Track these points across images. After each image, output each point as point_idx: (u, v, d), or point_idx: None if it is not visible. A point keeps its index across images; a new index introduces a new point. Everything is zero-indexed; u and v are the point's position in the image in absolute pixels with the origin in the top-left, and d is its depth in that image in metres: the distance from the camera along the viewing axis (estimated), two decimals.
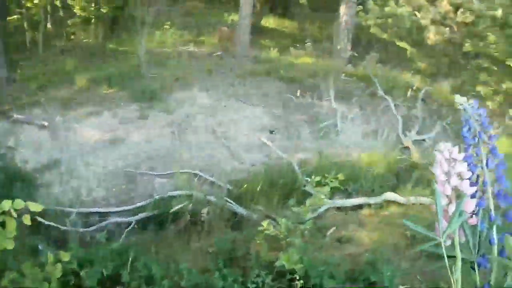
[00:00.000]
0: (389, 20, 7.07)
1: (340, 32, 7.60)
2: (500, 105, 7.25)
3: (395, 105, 5.86)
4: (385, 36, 6.88)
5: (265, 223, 2.80)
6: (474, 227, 0.60)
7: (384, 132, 5.26)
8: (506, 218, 0.59)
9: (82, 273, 2.36)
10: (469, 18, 8.23)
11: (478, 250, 0.60)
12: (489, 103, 7.21)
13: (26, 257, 2.50)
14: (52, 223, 3.53)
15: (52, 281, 2.16)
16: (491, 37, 7.37)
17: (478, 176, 0.63)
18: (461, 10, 8.27)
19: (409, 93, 6.19)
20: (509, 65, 7.22)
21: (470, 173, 0.60)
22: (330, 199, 3.68)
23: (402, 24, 6.85)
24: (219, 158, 4.97)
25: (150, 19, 7.49)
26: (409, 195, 4.04)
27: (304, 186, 3.95)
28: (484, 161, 0.62)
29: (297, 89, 6.21)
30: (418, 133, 5.52)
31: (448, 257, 0.57)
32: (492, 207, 0.61)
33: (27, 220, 1.99)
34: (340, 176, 3.39)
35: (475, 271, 0.61)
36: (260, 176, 4.30)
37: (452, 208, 0.59)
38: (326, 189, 3.39)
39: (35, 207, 1.98)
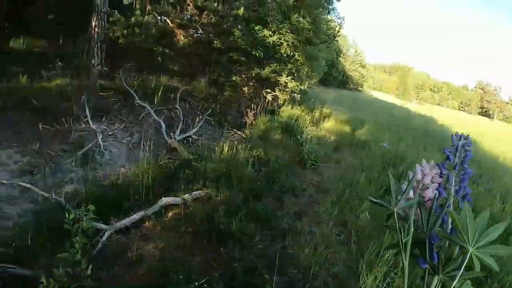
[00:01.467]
0: (136, 29, 7.18)
1: (92, 45, 7.19)
2: (254, 88, 8.62)
3: (156, 110, 5.98)
4: (137, 44, 6.93)
5: (43, 278, 2.52)
6: (430, 209, 0.76)
7: (149, 140, 5.34)
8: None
9: None
10: (214, 18, 9.35)
11: (430, 228, 0.75)
12: (245, 89, 8.46)
13: None
14: None
15: None
16: (237, 32, 8.54)
17: (447, 177, 0.83)
18: (206, 12, 9.30)
19: (171, 96, 6.49)
20: (255, 54, 8.58)
21: (440, 179, 0.81)
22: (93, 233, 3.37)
23: (150, 31, 7.06)
24: None
25: None
26: (183, 194, 4.25)
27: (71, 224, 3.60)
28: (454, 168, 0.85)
29: (52, 118, 5.54)
30: (182, 131, 5.82)
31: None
32: (451, 201, 0.79)
33: None
34: (91, 207, 3.23)
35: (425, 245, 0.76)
36: (29, 228, 3.57)
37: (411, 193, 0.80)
38: (87, 224, 3.15)
39: None
